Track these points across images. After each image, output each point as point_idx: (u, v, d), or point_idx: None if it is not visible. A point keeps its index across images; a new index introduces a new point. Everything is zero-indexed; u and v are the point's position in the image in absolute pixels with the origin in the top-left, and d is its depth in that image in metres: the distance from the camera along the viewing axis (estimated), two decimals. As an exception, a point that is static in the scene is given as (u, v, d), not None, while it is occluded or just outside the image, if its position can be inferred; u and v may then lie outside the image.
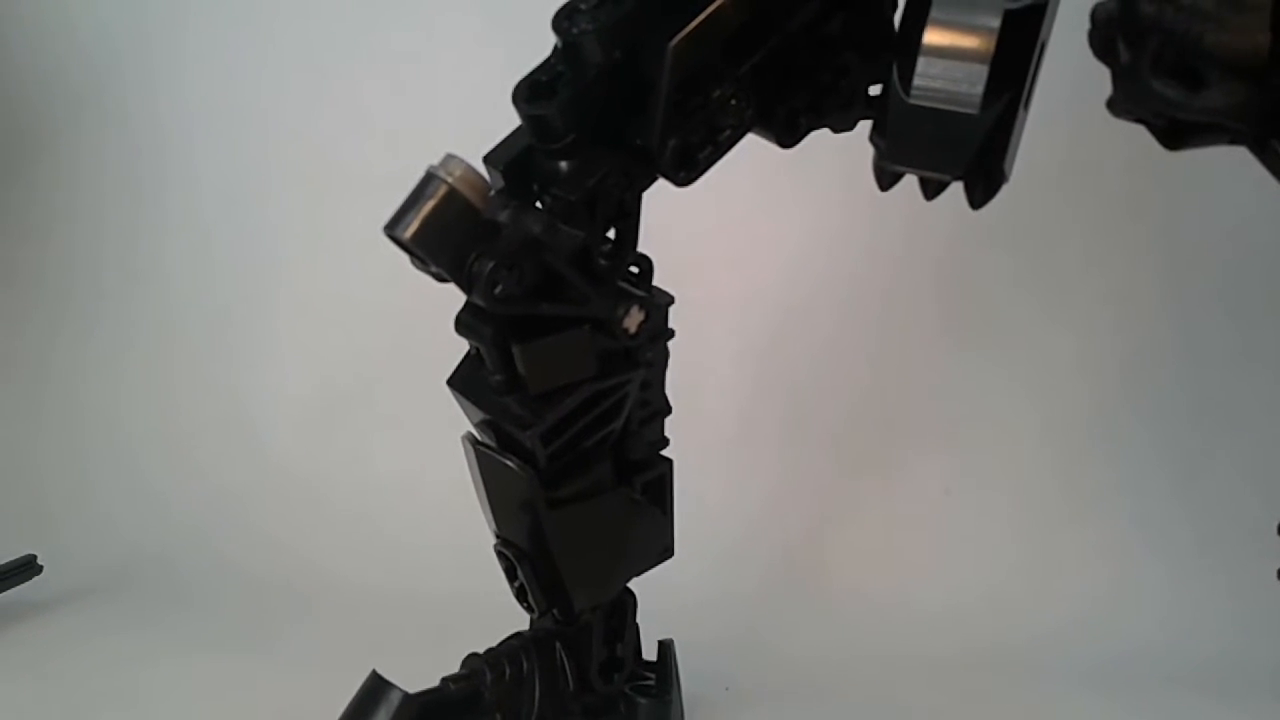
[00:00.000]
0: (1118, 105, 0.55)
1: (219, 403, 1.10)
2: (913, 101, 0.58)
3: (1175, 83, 0.52)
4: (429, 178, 0.57)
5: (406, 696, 0.61)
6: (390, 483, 1.03)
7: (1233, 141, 0.55)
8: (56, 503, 1.01)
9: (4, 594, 0.82)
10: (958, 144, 0.58)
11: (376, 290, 1.09)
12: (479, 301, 0.58)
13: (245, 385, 1.11)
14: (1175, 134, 0.55)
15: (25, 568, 0.85)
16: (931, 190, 0.61)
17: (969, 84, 0.57)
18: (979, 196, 0.60)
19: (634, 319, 0.62)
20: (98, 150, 1.17)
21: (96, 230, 1.17)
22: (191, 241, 1.16)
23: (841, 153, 0.95)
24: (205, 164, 1.16)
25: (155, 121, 1.17)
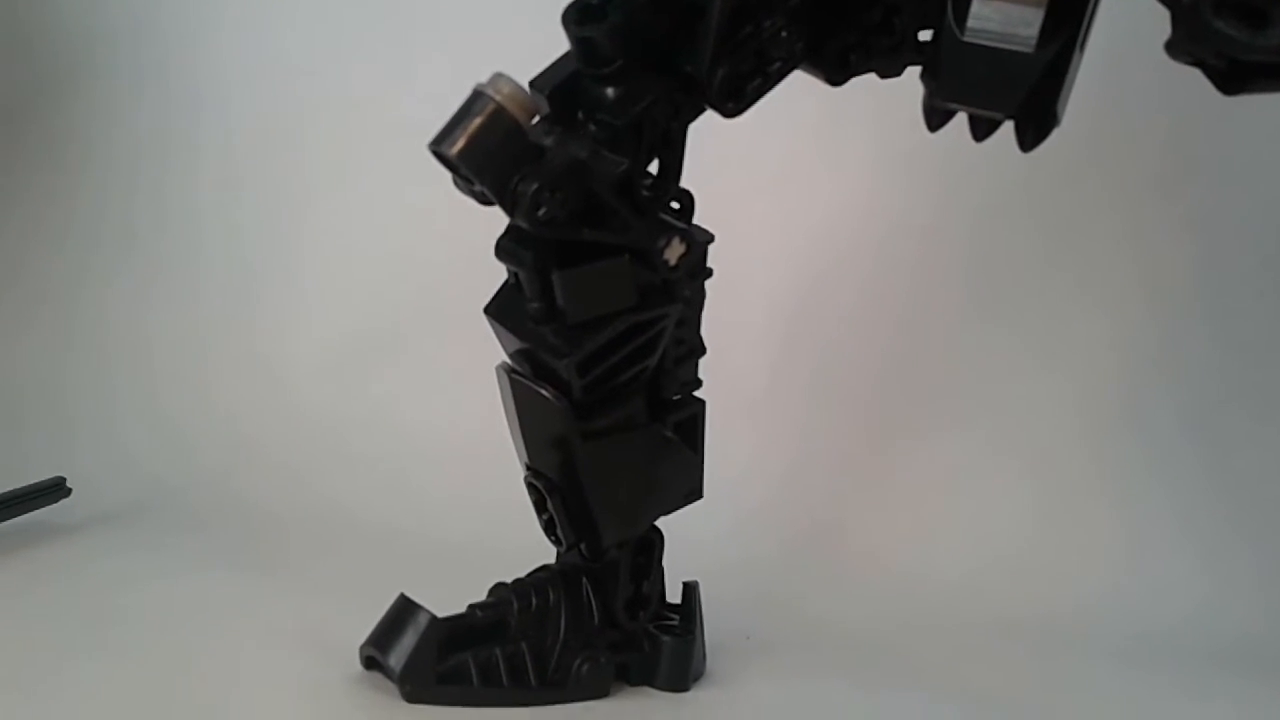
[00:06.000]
0: (1177, 46, 0.54)
1: (244, 345, 1.10)
2: (967, 39, 0.57)
3: (1238, 21, 0.51)
4: (477, 95, 0.57)
5: (434, 619, 0.61)
6: (414, 427, 1.03)
7: (1292, 87, 0.54)
8: (82, 434, 1.02)
9: (32, 514, 0.83)
10: (1011, 82, 0.57)
11: (405, 237, 1.10)
12: (521, 223, 0.58)
13: (271, 328, 1.11)
14: (1234, 77, 0.54)
15: (55, 489, 0.85)
16: (981, 131, 0.61)
17: (1025, 25, 0.57)
18: (1030, 138, 0.60)
19: (675, 250, 0.61)
20: (134, 92, 1.18)
21: (130, 171, 1.17)
22: (222, 184, 1.16)
23: (878, 119, 0.96)
24: (238, 108, 1.16)
25: (191, 65, 1.17)
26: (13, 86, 1.17)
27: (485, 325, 0.65)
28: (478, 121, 0.56)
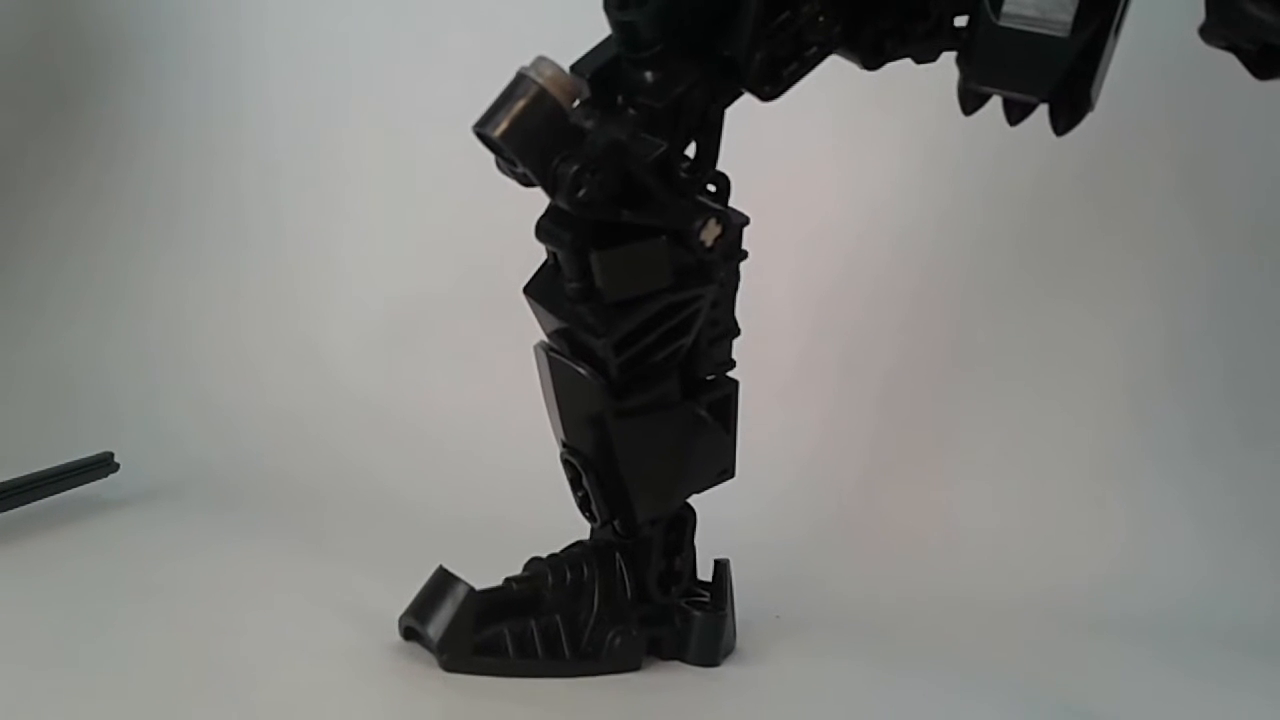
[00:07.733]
0: (1211, 31, 0.55)
1: (285, 326, 1.12)
2: (1002, 23, 0.58)
3: (1270, 5, 0.52)
4: (520, 78, 0.58)
5: (472, 591, 0.63)
6: (452, 405, 1.04)
7: (1326, 71, 0.54)
8: (128, 414, 1.03)
9: (81, 488, 0.84)
10: (1045, 66, 0.58)
11: (443, 219, 1.11)
12: (562, 204, 0.59)
13: (311, 309, 1.13)
14: (1267, 62, 0.55)
15: (103, 464, 0.86)
16: (1016, 115, 0.61)
17: (1060, 9, 0.57)
18: (1063, 123, 0.60)
19: (711, 232, 0.62)
20: (180, 75, 1.20)
21: (174, 157, 1.19)
22: (265, 164, 1.17)
23: (908, 106, 0.96)
24: (281, 89, 1.18)
25: (235, 47, 1.19)
26: (62, 76, 1.19)
27: (522, 305, 0.66)
28: (521, 104, 0.57)
